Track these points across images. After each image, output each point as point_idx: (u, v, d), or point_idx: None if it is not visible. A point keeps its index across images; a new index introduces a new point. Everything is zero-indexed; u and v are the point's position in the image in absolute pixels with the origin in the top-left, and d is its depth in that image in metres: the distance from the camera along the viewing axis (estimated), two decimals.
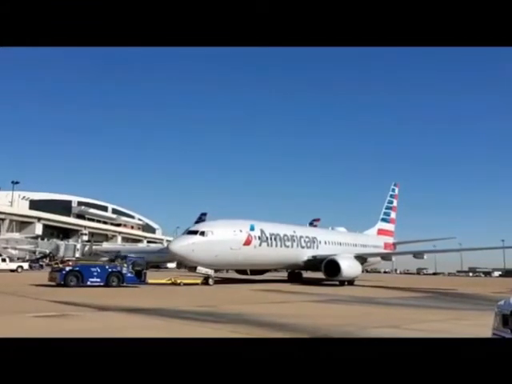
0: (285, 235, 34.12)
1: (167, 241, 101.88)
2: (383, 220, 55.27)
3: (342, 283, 34.01)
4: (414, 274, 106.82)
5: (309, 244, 36.53)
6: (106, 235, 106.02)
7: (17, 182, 79.13)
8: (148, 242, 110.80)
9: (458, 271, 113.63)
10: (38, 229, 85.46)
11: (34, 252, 64.82)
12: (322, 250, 36.79)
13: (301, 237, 35.93)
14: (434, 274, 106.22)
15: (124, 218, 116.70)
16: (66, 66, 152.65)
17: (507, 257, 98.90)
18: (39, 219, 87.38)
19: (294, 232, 35.73)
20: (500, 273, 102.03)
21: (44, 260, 62.45)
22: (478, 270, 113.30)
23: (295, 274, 39.90)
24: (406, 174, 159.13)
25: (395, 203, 57.49)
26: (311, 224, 52.73)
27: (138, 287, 23.64)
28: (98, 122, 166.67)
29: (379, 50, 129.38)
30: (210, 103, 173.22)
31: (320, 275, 39.07)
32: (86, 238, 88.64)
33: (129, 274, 23.87)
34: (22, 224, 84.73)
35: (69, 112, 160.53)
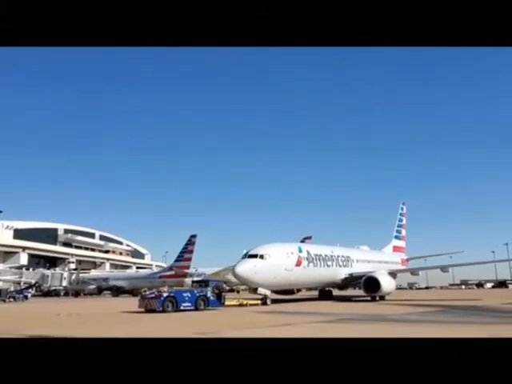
0: (326, 255, 36.28)
1: (156, 266, 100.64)
2: (396, 237, 57.47)
3: (373, 299, 35.20)
4: (406, 288, 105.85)
5: (345, 263, 38.86)
6: (94, 262, 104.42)
7: (0, 211, 77.34)
8: (137, 267, 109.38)
9: (451, 284, 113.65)
10: (23, 258, 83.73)
11: (19, 283, 63.20)
12: (355, 268, 39.11)
13: (338, 256, 38.12)
14: (427, 288, 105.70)
15: (112, 245, 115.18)
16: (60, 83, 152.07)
17: (498, 267, 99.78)
18: (24, 249, 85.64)
19: (332, 252, 37.87)
20: (492, 284, 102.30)
21: (30, 290, 60.82)
22: (469, 282, 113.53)
23: (326, 291, 41.90)
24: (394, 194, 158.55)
25: (404, 221, 59.85)
26: (302, 242, 52.39)
27: (217, 309, 25.14)
28: (80, 145, 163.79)
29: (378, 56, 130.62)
30: (195, 123, 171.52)
31: (352, 292, 42.16)
32: (73, 266, 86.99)
33: (212, 298, 25.67)
34: (5, 254, 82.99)
35: (51, 136, 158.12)
